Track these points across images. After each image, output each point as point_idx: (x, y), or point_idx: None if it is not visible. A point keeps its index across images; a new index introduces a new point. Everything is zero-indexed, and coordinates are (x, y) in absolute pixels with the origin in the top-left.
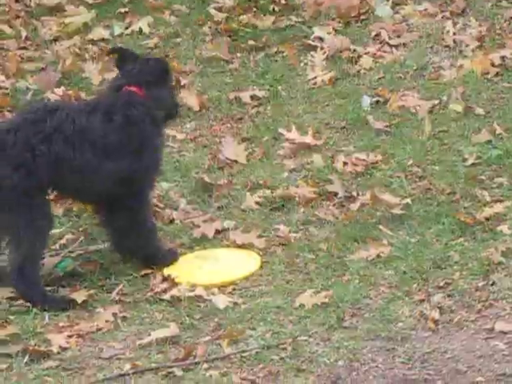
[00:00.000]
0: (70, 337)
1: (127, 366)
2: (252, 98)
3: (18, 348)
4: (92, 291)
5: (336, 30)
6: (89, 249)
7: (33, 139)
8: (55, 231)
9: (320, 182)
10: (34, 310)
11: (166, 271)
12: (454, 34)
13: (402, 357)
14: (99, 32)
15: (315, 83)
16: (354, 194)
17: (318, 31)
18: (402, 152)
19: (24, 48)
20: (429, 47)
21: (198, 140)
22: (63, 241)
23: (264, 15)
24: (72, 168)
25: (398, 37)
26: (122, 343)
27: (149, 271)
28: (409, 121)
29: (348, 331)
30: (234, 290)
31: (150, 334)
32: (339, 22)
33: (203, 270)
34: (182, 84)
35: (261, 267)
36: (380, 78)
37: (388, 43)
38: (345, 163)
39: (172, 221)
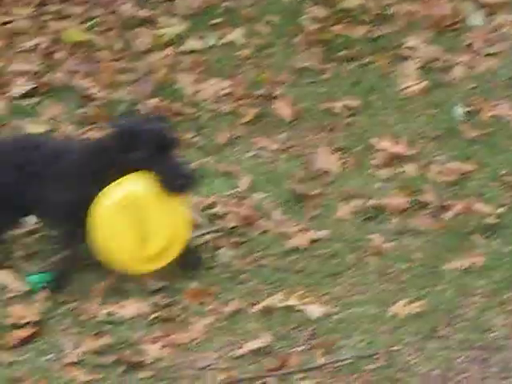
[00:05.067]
0: (164, 347)
1: (221, 377)
2: (345, 107)
3: (113, 358)
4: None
5: (428, 40)
6: None
7: None
8: None
9: (413, 191)
10: (128, 320)
11: None
12: None
13: (496, 366)
14: (193, 43)
15: (408, 93)
16: (448, 203)
17: (410, 41)
18: (495, 161)
19: (118, 59)
20: None
21: (291, 150)
22: None
23: (357, 25)
24: None
25: (491, 46)
26: (216, 353)
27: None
28: (502, 130)
29: (442, 341)
30: (328, 299)
31: (242, 345)
32: (432, 32)
33: None
34: (275, 95)
35: None
36: (473, 88)
37: (480, 52)
38: (438, 173)
39: (265, 231)
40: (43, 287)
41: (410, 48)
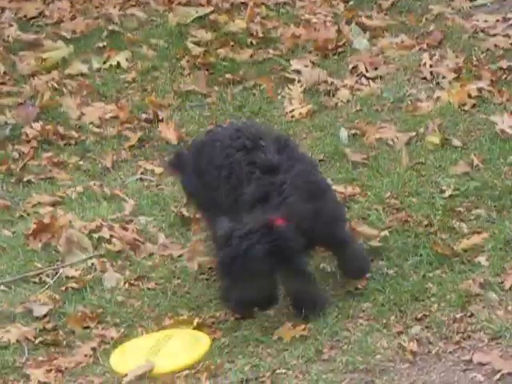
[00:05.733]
0: (48, 371)
1: None
2: None
3: None
4: None
5: (313, 63)
6: None
7: None
8: None
9: None
10: (13, 345)
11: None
12: (431, 65)
13: None
14: (77, 66)
15: (293, 116)
16: None
17: (295, 64)
18: (379, 184)
19: (2, 83)
20: (406, 79)
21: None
22: None
23: (241, 49)
24: None
25: (375, 69)
26: (102, 378)
27: None
28: (386, 153)
29: (327, 364)
30: (212, 323)
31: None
32: (316, 55)
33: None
34: (160, 118)
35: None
36: (357, 111)
37: (365, 76)
38: None
39: (151, 255)
40: None
41: (294, 71)
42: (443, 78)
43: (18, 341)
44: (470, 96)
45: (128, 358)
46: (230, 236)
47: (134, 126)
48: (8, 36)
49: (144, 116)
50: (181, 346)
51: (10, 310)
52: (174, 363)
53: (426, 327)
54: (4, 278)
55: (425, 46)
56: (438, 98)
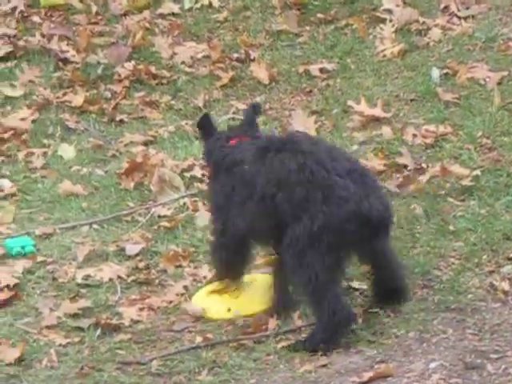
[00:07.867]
0: (141, 310)
1: (199, 339)
2: (321, 70)
3: (90, 321)
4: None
5: (405, 2)
6: None
7: None
8: None
9: (389, 154)
10: (106, 283)
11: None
12: None
13: (473, 328)
14: (169, 6)
15: (384, 56)
16: (424, 165)
17: (386, 3)
18: (471, 124)
19: (94, 23)
20: (497, 19)
21: (268, 113)
22: None
23: None
24: None
25: (467, 9)
26: (194, 316)
27: None
28: (478, 92)
29: (418, 303)
30: None
31: None
32: None
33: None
34: (251, 57)
35: None
36: (449, 50)
37: (457, 15)
38: (414, 135)
39: None
40: (19, 251)
41: (386, 11)
42: None
43: (110, 279)
44: None
45: (209, 300)
46: None
47: (226, 65)
48: None
49: (236, 55)
50: (262, 291)
51: (103, 249)
52: (252, 309)
53: None
54: (97, 216)
55: None
56: None
